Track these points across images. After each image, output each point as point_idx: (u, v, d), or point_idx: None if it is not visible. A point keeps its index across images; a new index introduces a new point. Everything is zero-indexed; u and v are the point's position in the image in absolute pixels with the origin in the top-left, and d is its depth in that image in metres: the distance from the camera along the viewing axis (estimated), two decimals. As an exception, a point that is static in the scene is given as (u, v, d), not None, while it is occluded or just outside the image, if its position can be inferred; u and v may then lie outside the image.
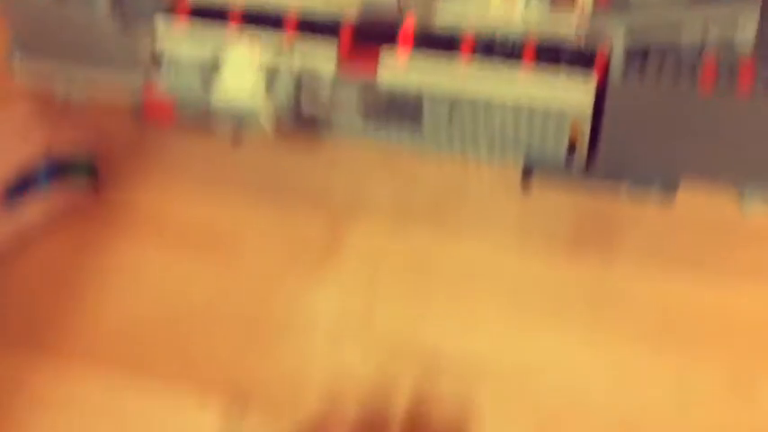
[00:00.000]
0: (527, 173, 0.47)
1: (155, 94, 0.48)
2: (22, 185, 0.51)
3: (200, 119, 0.48)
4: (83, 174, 0.53)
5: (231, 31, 0.44)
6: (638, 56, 0.36)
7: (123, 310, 0.47)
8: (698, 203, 0.44)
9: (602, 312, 0.43)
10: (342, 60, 0.44)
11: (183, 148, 0.53)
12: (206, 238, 0.49)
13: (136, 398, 0.45)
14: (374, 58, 0.43)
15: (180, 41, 0.45)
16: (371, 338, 0.44)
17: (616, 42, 0.36)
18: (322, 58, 0.44)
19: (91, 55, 0.49)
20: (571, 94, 0.40)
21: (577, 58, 0.40)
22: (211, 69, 0.45)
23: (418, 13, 0.44)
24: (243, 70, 0.43)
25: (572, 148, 0.43)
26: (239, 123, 0.47)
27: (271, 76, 0.43)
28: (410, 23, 0.44)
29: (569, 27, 0.40)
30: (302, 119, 0.49)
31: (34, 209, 0.51)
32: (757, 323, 0.42)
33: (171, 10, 0.46)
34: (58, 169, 0.52)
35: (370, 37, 0.44)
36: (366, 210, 0.48)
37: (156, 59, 0.46)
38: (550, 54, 0.41)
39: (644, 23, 0.35)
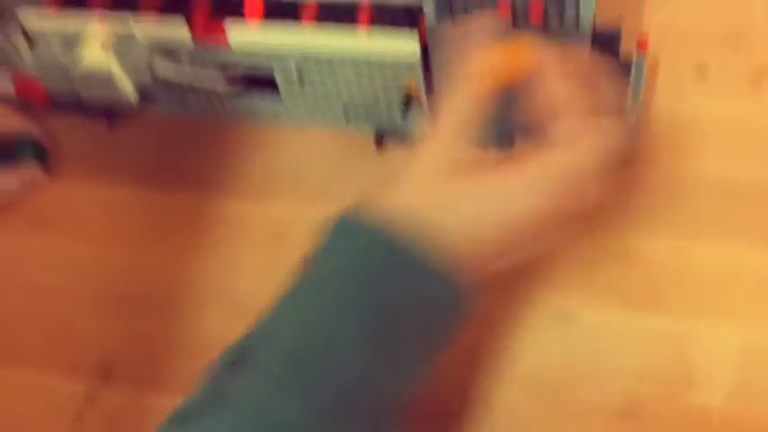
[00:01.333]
0: (379, 136, 0.50)
1: (25, 78, 0.51)
2: None
3: (73, 100, 0.51)
4: (32, 154, 0.53)
5: (91, 14, 0.48)
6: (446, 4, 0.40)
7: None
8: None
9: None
10: (195, 32, 0.47)
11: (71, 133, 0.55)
12: (77, 220, 0.52)
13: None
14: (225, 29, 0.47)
15: (45, 25, 0.49)
16: (233, 304, 0.46)
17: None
18: (176, 30, 0.47)
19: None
20: (401, 46, 0.44)
21: (404, 17, 0.44)
22: (73, 46, 0.48)
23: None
24: (98, 44, 0.46)
25: (408, 103, 0.46)
26: (110, 101, 0.50)
27: (125, 46, 0.46)
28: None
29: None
30: (169, 96, 0.52)
31: None
32: None
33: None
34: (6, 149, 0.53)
35: (224, 10, 0.48)
36: (237, 181, 0.51)
37: (25, 42, 0.50)
38: (382, 15, 0.45)
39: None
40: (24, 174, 0.53)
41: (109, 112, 0.54)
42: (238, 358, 0.32)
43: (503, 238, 0.33)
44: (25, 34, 0.50)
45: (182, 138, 0.53)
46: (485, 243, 0.33)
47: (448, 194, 0.33)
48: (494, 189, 0.33)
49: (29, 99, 0.52)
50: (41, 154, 0.53)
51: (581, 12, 0.39)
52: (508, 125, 0.37)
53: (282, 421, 0.29)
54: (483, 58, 0.36)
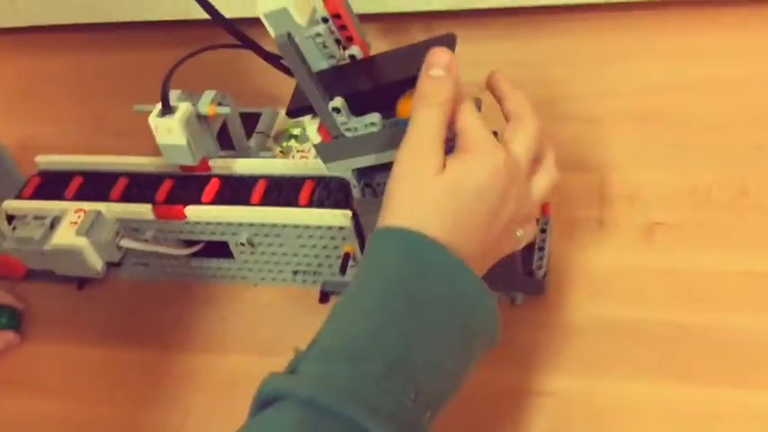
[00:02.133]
0: (323, 292, 0.56)
1: (6, 257, 0.57)
2: None
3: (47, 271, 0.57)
4: (6, 322, 0.57)
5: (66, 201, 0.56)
6: (369, 186, 0.48)
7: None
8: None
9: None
10: (158, 212, 0.54)
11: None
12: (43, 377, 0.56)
13: None
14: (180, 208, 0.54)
15: (24, 208, 0.56)
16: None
17: (352, 181, 0.48)
18: (141, 212, 0.54)
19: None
20: (337, 219, 0.51)
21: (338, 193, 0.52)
22: (49, 228, 0.55)
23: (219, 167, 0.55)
24: (69, 225, 0.53)
25: (345, 264, 0.53)
26: (79, 270, 0.56)
27: (92, 223, 0.52)
28: (215, 183, 0.55)
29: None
30: (132, 263, 0.58)
31: None
32: None
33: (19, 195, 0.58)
34: None
35: (183, 191, 0.55)
36: (193, 336, 0.56)
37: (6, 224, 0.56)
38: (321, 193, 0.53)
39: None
40: None
41: (79, 278, 0.59)
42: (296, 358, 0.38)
43: (484, 218, 0.40)
44: (8, 218, 0.56)
45: (143, 298, 0.59)
46: (471, 227, 0.39)
47: (441, 193, 0.39)
48: (461, 178, 0.39)
49: (8, 274, 0.58)
50: (15, 320, 0.58)
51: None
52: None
53: (340, 387, 0.34)
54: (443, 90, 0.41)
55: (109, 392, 0.54)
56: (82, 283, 0.60)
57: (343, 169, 0.47)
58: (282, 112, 0.62)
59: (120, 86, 0.77)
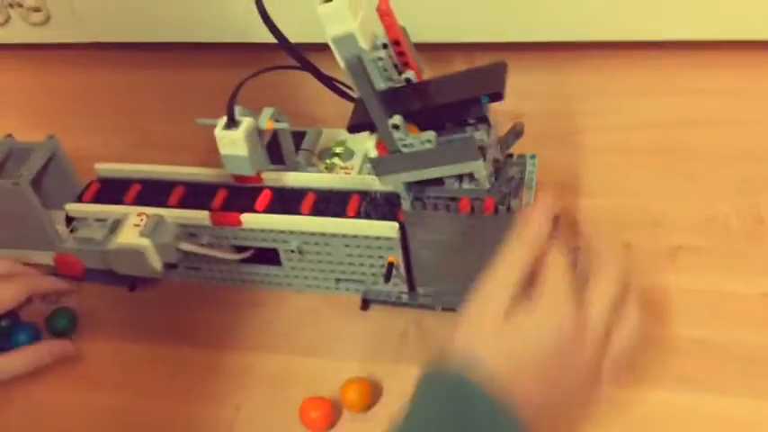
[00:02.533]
0: (365, 301, 0.60)
1: (66, 256, 0.60)
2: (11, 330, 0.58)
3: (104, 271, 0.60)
4: (65, 323, 0.60)
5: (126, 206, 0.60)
6: (419, 200, 0.52)
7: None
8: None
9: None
10: (214, 219, 0.58)
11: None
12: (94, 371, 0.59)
13: None
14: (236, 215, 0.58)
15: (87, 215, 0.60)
16: None
17: (403, 194, 0.52)
18: (199, 218, 0.58)
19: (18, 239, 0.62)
20: (384, 229, 0.55)
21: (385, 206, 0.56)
22: (110, 229, 0.59)
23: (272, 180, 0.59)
24: (133, 227, 0.57)
25: (389, 273, 0.56)
26: (140, 269, 0.59)
27: (155, 226, 0.56)
28: (266, 194, 0.59)
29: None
30: (186, 266, 0.61)
31: (18, 358, 0.55)
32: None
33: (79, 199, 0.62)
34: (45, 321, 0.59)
35: (236, 200, 0.59)
36: (240, 337, 0.59)
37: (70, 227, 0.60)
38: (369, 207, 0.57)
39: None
40: (54, 346, 0.58)
41: (132, 278, 0.63)
42: None
43: (540, 367, 0.41)
44: (68, 220, 0.60)
45: (193, 301, 0.62)
46: (528, 374, 0.41)
47: (498, 336, 0.41)
48: (521, 327, 0.41)
49: (68, 273, 0.61)
50: (74, 323, 0.61)
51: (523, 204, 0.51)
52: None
53: None
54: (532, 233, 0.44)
55: (162, 386, 0.57)
56: (134, 284, 0.64)
57: (396, 182, 0.51)
58: (325, 131, 0.67)
59: (165, 103, 0.82)
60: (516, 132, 0.53)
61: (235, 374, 0.57)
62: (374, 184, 0.58)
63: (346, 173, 0.64)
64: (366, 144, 0.50)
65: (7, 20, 0.82)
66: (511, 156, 0.55)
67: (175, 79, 0.83)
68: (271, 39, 0.53)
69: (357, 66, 0.46)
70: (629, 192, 0.65)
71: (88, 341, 0.61)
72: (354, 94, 0.52)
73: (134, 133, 0.79)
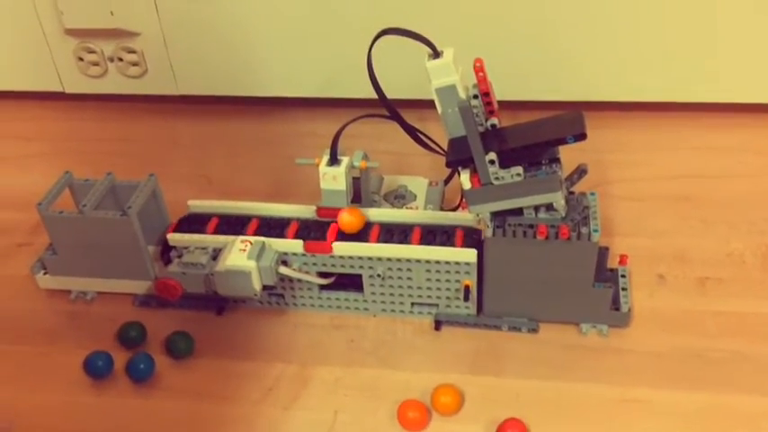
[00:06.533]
0: (438, 322, 0.67)
1: (167, 281, 0.66)
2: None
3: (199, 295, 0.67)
4: (183, 345, 0.65)
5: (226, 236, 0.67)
6: (500, 227, 0.60)
7: None
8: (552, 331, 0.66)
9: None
10: (307, 243, 0.65)
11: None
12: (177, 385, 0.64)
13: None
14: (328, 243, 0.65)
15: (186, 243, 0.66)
16: None
17: (485, 219, 0.60)
18: (292, 243, 0.65)
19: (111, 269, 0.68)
20: (464, 256, 0.63)
21: (467, 238, 0.64)
22: (212, 256, 0.65)
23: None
24: (239, 251, 0.63)
25: (467, 295, 0.64)
26: (241, 290, 0.65)
27: (259, 251, 0.63)
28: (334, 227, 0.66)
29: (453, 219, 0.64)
30: (271, 292, 0.68)
31: None
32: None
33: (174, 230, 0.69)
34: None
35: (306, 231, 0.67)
36: (322, 356, 0.66)
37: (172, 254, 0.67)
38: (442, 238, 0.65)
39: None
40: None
41: (219, 304, 0.69)
42: None
43: None
44: (162, 251, 0.66)
45: (278, 323, 0.69)
46: None
47: None
48: None
49: (167, 296, 0.67)
50: (192, 347, 0.66)
51: (591, 231, 0.60)
52: None
53: None
54: None
55: (261, 397, 0.63)
56: (221, 309, 0.70)
57: (485, 211, 0.60)
58: (386, 177, 0.75)
59: (229, 152, 0.90)
60: (580, 172, 0.62)
61: (328, 386, 0.63)
62: (446, 218, 0.66)
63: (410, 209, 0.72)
64: (461, 177, 0.59)
65: (105, 72, 0.90)
66: (572, 193, 0.64)
67: (237, 130, 0.93)
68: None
69: (468, 110, 0.55)
70: (656, 232, 0.76)
71: (194, 358, 0.66)
72: (423, 140, 0.61)
73: (199, 179, 0.87)
